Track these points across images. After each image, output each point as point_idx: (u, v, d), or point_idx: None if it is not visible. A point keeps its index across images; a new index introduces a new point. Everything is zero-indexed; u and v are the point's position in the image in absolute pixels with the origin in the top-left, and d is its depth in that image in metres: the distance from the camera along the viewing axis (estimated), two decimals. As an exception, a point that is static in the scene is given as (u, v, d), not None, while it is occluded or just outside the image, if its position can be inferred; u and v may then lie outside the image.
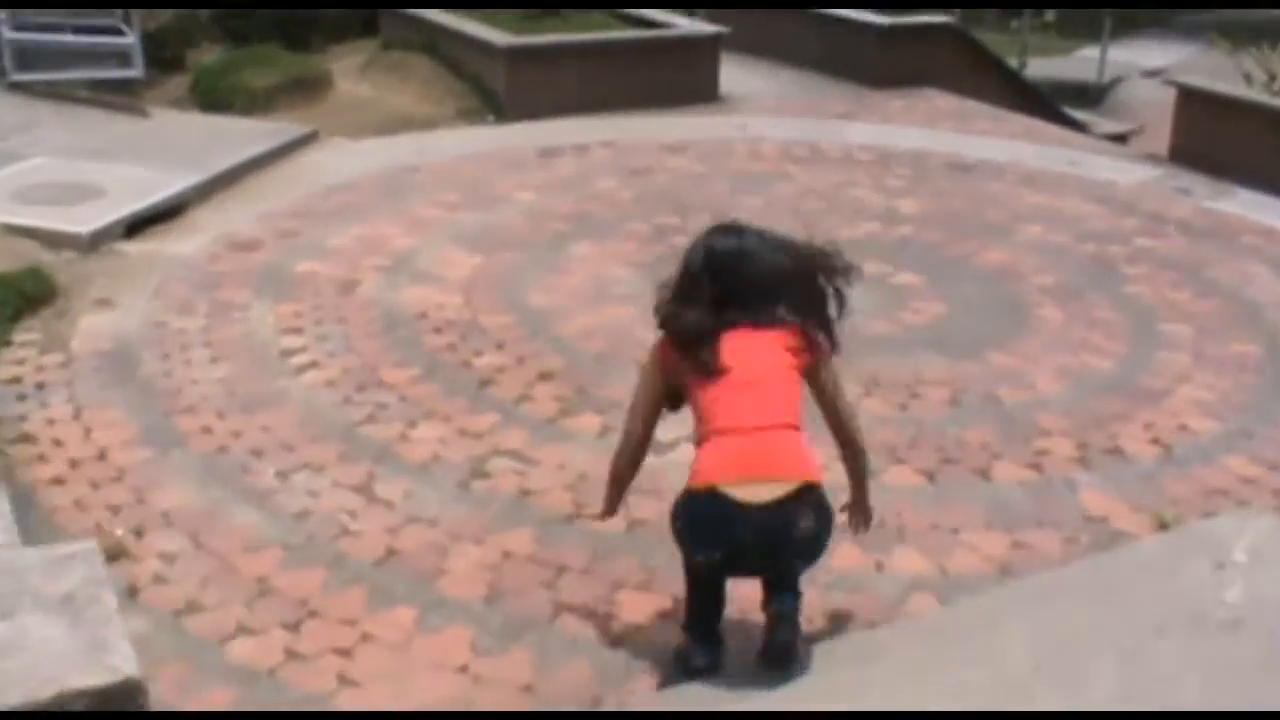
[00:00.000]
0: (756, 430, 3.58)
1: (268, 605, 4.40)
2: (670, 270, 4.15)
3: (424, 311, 7.02)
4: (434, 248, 8.08)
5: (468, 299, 7.21)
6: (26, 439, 5.55)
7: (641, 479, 4.39)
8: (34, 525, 4.82)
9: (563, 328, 6.82)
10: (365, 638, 4.24)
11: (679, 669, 3.93)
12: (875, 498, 4.26)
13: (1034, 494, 5.22)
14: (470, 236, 8.27)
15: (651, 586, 4.49)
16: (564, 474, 5.24)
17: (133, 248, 8.01)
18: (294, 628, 4.29)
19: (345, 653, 4.16)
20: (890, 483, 5.22)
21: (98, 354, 6.44)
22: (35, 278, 7.03)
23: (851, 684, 3.82)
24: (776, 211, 8.65)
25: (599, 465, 4.99)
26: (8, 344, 6.54)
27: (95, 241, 7.83)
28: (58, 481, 5.21)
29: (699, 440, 3.70)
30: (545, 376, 6.21)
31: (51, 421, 5.73)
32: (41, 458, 5.39)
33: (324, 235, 8.27)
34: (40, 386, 6.08)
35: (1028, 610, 4.23)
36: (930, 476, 5.33)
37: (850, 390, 5.52)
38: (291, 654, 4.15)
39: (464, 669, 4.08)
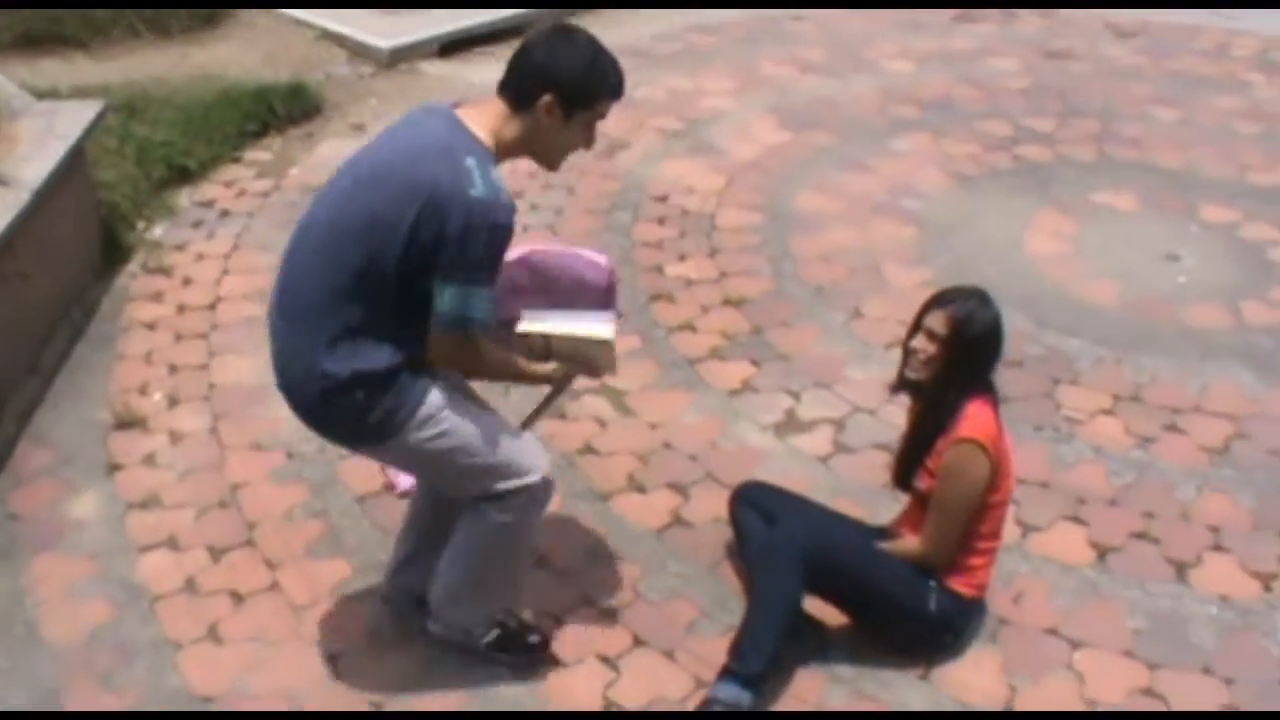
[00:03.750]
0: None
1: (215, 520, 4.22)
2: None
3: (667, 194, 6.45)
4: (743, 115, 7.40)
5: (728, 186, 6.52)
6: (163, 270, 5.68)
7: (732, 461, 4.20)
8: (93, 368, 4.98)
9: (805, 243, 6.01)
10: (272, 588, 3.95)
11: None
12: (1006, 565, 4.00)
13: (1232, 622, 3.93)
14: (795, 108, 7.51)
15: (611, 623, 3.82)
16: (648, 437, 4.62)
17: (433, 69, 7.97)
18: (219, 555, 4.08)
19: (239, 600, 3.89)
20: (1040, 548, 4.17)
21: (304, 188, 6.44)
22: (296, 94, 7.12)
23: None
24: (1189, 133, 7.19)
25: (700, 434, 4.55)
26: (236, 160, 6.69)
27: (395, 58, 7.80)
28: (150, 326, 5.28)
29: (974, 545, 3.62)
30: (733, 303, 5.48)
31: (201, 257, 5.81)
32: (158, 296, 5.49)
33: (640, 82, 7.82)
34: (225, 215, 6.19)
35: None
36: (1102, 556, 4.15)
37: (1092, 400, 4.81)
38: (190, 586, 3.95)
39: (336, 658, 3.68)
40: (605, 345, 3.24)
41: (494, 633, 3.57)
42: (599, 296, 3.55)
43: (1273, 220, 6.32)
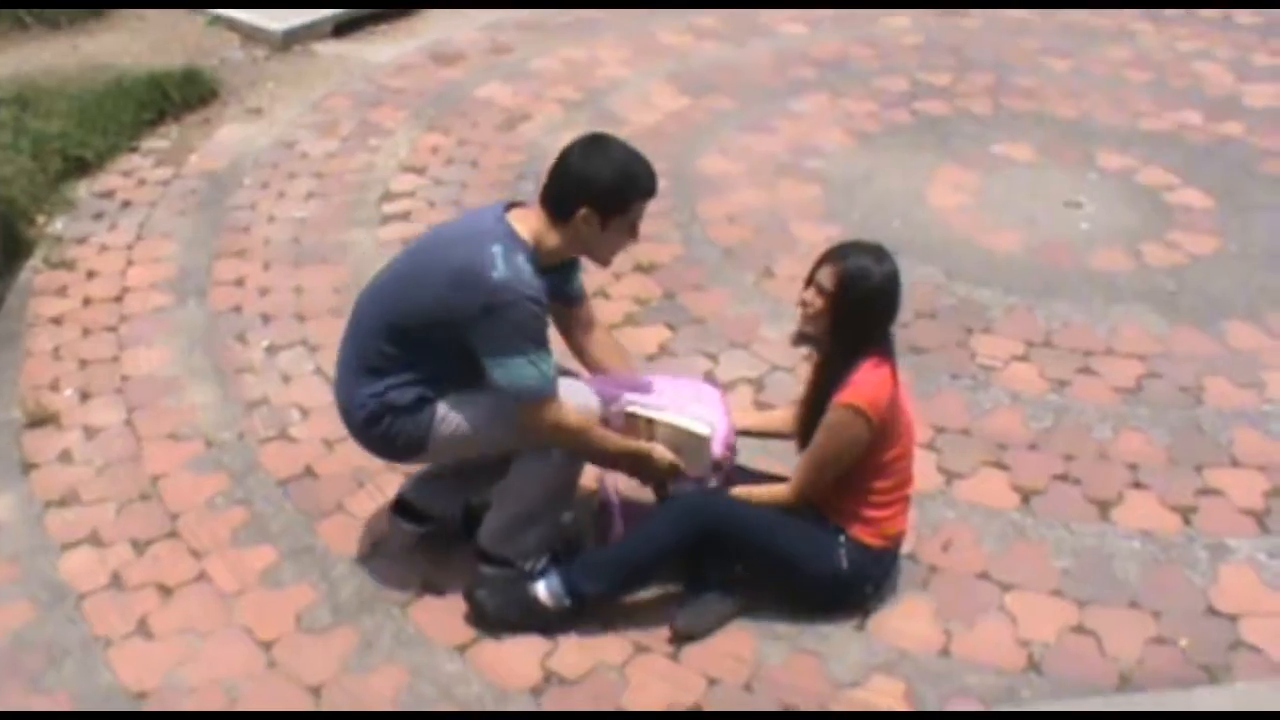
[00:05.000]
0: None
1: (137, 514, 4.10)
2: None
3: (572, 164, 6.34)
4: (642, 83, 7.34)
5: (633, 154, 6.44)
6: (67, 265, 5.51)
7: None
8: (1, 366, 4.83)
9: (712, 206, 5.97)
10: (200, 577, 3.85)
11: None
12: (932, 513, 4.05)
13: (1155, 556, 3.96)
14: (693, 73, 7.46)
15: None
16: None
17: (328, 49, 7.82)
18: (143, 548, 3.97)
19: (167, 592, 3.79)
20: (964, 495, 4.16)
21: (204, 174, 6.30)
22: (191, 80, 6.95)
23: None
24: (1082, 83, 7.29)
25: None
26: (134, 150, 6.51)
27: (289, 40, 7.64)
28: (56, 321, 5.13)
29: (871, 499, 3.55)
30: (644, 269, 5.44)
31: (104, 248, 5.65)
32: (63, 290, 5.32)
33: (535, 54, 7.76)
34: (125, 205, 6.03)
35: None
36: (1026, 499, 4.17)
37: (1006, 346, 4.80)
38: (115, 581, 3.84)
39: (270, 644, 3.60)
40: (701, 441, 3.48)
41: (544, 560, 3.65)
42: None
43: (1166, 165, 6.42)
